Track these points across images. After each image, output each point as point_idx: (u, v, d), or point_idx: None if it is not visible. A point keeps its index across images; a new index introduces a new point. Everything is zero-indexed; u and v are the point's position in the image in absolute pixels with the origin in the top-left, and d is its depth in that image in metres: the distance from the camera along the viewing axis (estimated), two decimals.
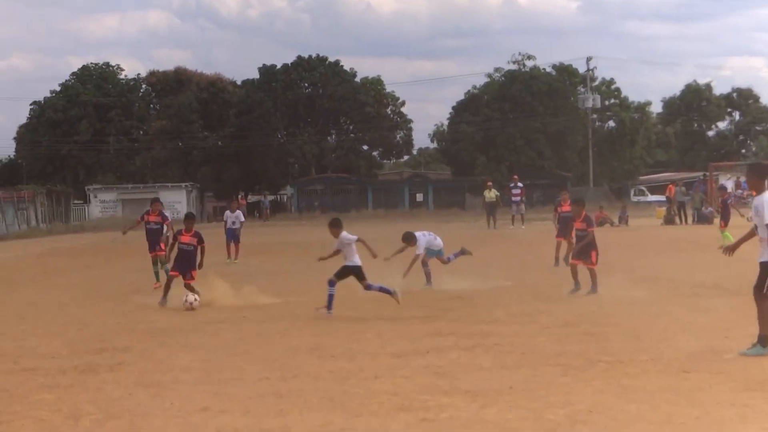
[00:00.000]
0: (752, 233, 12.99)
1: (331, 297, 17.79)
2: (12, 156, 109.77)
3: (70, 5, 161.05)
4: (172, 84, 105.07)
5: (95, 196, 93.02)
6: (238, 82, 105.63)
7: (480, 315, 17.36)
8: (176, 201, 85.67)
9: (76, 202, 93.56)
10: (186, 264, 19.75)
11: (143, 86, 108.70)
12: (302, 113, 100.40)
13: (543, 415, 9.78)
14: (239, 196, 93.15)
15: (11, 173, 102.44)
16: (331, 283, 17.92)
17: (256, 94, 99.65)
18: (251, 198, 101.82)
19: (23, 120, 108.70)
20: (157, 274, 24.49)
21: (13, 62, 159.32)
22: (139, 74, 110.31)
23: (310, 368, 12.61)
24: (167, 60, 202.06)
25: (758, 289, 12.63)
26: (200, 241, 20.10)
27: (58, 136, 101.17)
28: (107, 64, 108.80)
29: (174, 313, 18.71)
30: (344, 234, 18.26)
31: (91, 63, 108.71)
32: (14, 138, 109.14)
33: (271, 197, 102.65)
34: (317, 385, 11.51)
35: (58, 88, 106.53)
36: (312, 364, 12.97)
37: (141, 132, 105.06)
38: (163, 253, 24.06)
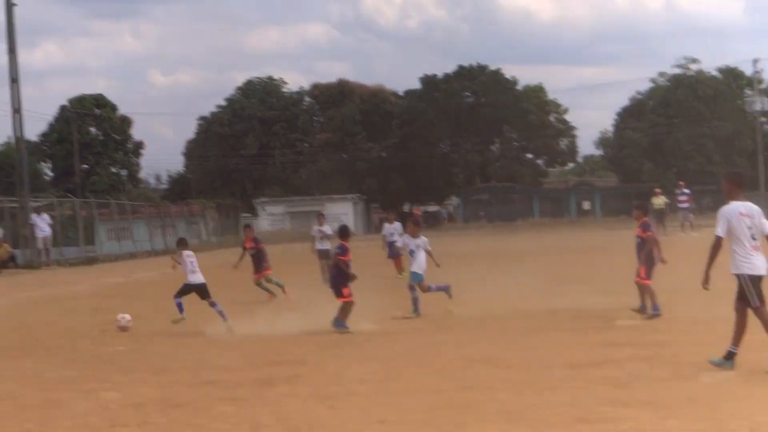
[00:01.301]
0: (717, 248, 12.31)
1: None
2: (181, 171, 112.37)
3: (233, 21, 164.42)
4: (334, 96, 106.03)
5: (264, 209, 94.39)
6: (400, 93, 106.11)
7: (656, 324, 17.03)
8: (342, 213, 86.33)
9: (244, 215, 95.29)
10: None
11: (306, 99, 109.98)
12: (465, 122, 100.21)
13: (725, 426, 9.52)
14: (412, 208, 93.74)
15: (181, 188, 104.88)
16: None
17: (418, 104, 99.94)
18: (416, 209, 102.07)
19: (191, 135, 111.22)
20: (266, 289, 25.53)
21: (179, 78, 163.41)
22: (302, 87, 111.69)
23: (486, 379, 12.53)
24: (328, 72, 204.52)
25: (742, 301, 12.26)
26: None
27: (225, 150, 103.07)
28: (271, 78, 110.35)
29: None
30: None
31: (255, 77, 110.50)
32: (183, 153, 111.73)
33: (434, 208, 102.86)
34: (494, 396, 11.42)
35: (223, 103, 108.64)
36: (487, 375, 12.89)
37: (306, 144, 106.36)
38: (269, 271, 25.64)
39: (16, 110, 48.33)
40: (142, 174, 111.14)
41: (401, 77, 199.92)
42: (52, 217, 50.78)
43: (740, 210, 12.32)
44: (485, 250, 46.57)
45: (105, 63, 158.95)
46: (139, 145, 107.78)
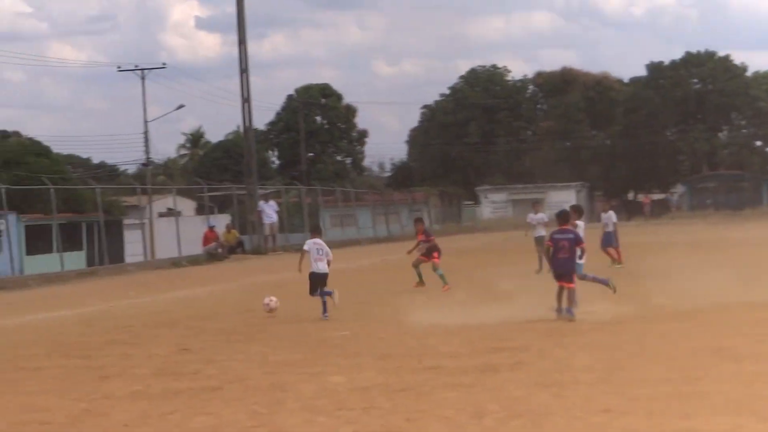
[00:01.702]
0: None
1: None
2: (405, 159, 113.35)
3: (457, 9, 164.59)
4: (558, 84, 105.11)
5: (486, 197, 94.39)
6: (625, 80, 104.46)
7: None
8: (565, 201, 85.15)
9: (467, 203, 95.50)
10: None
11: (530, 87, 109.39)
12: (691, 110, 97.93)
13: None
14: (640, 196, 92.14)
15: (404, 176, 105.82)
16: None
17: (644, 91, 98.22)
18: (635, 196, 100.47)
19: (414, 124, 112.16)
20: (419, 274, 25.00)
21: (403, 68, 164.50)
22: (525, 75, 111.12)
23: (714, 370, 12.16)
24: (552, 60, 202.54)
25: None
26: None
27: (448, 138, 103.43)
28: (494, 66, 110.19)
29: None
30: None
31: (479, 65, 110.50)
32: (406, 141, 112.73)
33: (661, 195, 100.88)
34: (722, 388, 11.06)
35: (447, 92, 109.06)
36: (716, 366, 12.50)
37: (529, 132, 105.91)
38: (437, 260, 25.02)
39: (246, 100, 49.64)
40: (366, 162, 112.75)
41: (626, 64, 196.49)
42: (279, 204, 51.98)
43: None
44: (706, 238, 45.33)
45: (331, 53, 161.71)
46: (363, 134, 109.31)
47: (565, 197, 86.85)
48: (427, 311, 19.34)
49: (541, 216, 31.21)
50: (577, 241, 18.14)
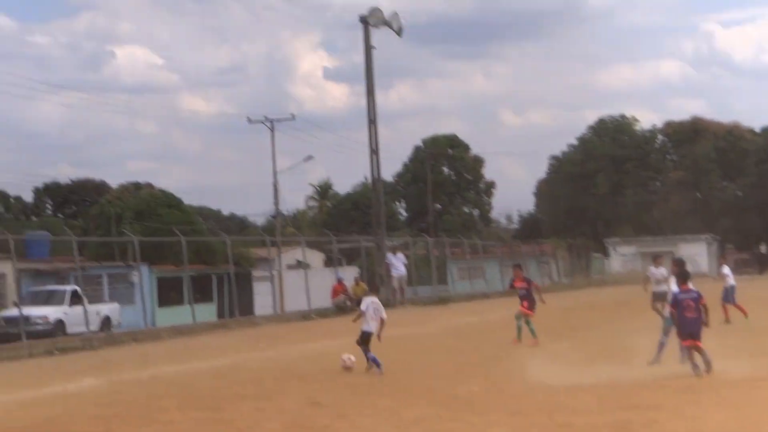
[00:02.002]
0: None
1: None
2: (532, 210, 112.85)
3: (585, 59, 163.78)
4: (688, 134, 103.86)
5: (615, 249, 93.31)
6: (756, 130, 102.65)
7: None
8: (695, 253, 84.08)
9: (595, 255, 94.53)
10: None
11: (659, 137, 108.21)
12: None
13: None
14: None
15: (532, 227, 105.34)
16: None
17: None
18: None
19: (542, 175, 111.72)
20: (519, 327, 25.02)
21: (530, 117, 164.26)
22: (654, 125, 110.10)
23: None
24: (681, 110, 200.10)
25: None
26: None
27: (576, 189, 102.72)
28: (623, 116, 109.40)
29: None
30: None
31: (607, 115, 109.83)
32: (534, 192, 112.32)
33: None
34: None
35: (575, 142, 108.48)
36: None
37: (658, 183, 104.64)
38: (529, 312, 25.09)
39: (374, 151, 49.90)
40: (494, 213, 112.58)
41: (758, 113, 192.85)
42: (407, 256, 52.06)
43: None
44: None
45: (458, 103, 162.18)
46: (490, 185, 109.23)
47: (695, 250, 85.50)
48: (557, 366, 19.15)
49: (662, 270, 30.15)
50: (700, 298, 17.80)
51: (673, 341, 18.52)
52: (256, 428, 13.62)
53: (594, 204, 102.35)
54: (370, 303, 20.26)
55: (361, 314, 20.23)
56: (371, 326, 20.02)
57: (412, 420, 13.83)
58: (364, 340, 20.07)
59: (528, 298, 25.53)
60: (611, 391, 15.85)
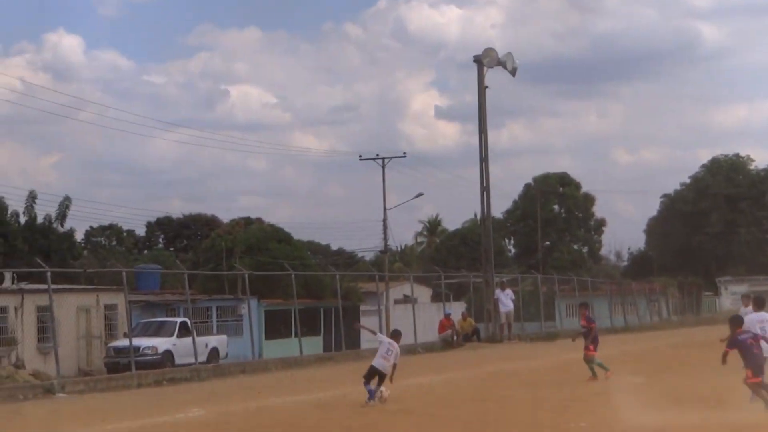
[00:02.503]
0: None
1: None
2: (642, 248, 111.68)
3: (698, 97, 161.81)
4: None
5: (726, 288, 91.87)
6: None
7: None
8: None
9: (706, 293, 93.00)
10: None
11: None
12: None
13: None
14: None
15: (642, 265, 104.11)
16: None
17: None
18: None
19: (653, 212, 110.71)
20: (591, 369, 25.21)
21: (642, 156, 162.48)
22: None
23: None
24: None
25: None
26: None
27: (688, 227, 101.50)
28: (737, 155, 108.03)
29: None
30: None
31: (721, 154, 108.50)
32: (644, 230, 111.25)
33: None
34: None
35: (687, 180, 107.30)
36: None
37: None
38: (593, 353, 25.34)
39: (485, 189, 49.82)
40: (603, 251, 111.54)
41: None
42: (515, 292, 51.75)
43: None
44: None
45: (569, 142, 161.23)
46: (601, 223, 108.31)
47: None
48: (667, 404, 18.78)
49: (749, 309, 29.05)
50: (756, 336, 18.21)
51: None
52: None
53: (706, 243, 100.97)
54: (387, 343, 21.18)
55: (376, 335, 22.09)
56: (378, 363, 20.72)
57: None
58: (370, 373, 20.72)
59: (595, 339, 25.96)
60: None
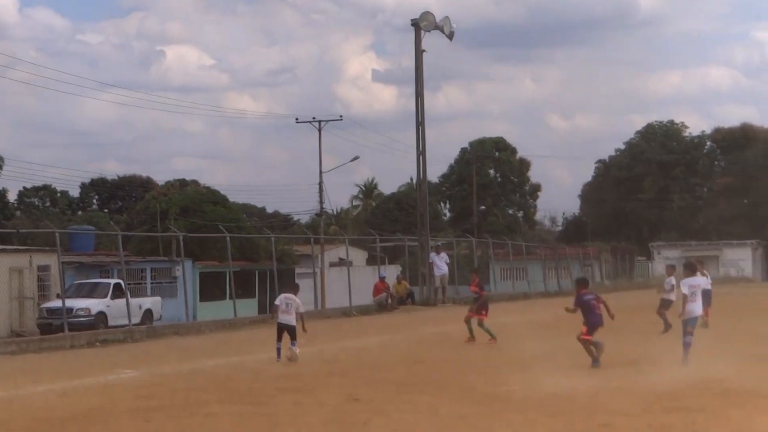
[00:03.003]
0: None
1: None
2: (577, 213, 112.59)
3: (633, 65, 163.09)
4: (737, 140, 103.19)
5: (659, 253, 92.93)
6: None
7: None
8: (740, 258, 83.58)
9: (639, 258, 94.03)
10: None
11: (708, 143, 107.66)
12: None
13: None
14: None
15: (576, 230, 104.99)
16: None
17: None
18: None
19: (587, 178, 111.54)
20: (470, 331, 26.13)
21: (577, 121, 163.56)
22: (703, 131, 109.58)
23: None
24: (729, 116, 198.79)
25: None
26: None
27: (622, 193, 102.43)
28: (671, 122, 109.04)
29: (747, 371, 17.96)
30: None
31: (656, 121, 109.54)
32: (579, 196, 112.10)
33: None
34: None
35: (622, 147, 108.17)
36: None
37: (705, 189, 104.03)
38: (480, 317, 26.13)
39: (421, 152, 49.85)
40: (538, 216, 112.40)
41: None
42: (450, 255, 51.93)
43: None
44: None
45: (505, 106, 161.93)
46: (535, 188, 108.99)
47: (740, 255, 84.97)
48: (592, 371, 19.01)
49: (672, 281, 29.28)
50: (598, 298, 20.10)
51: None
52: (295, 423, 13.59)
53: (640, 208, 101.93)
54: (283, 298, 22.11)
55: (276, 308, 22.18)
56: (281, 318, 21.86)
57: (452, 417, 13.75)
58: (278, 331, 21.88)
59: (485, 306, 26.71)
60: (653, 393, 15.66)
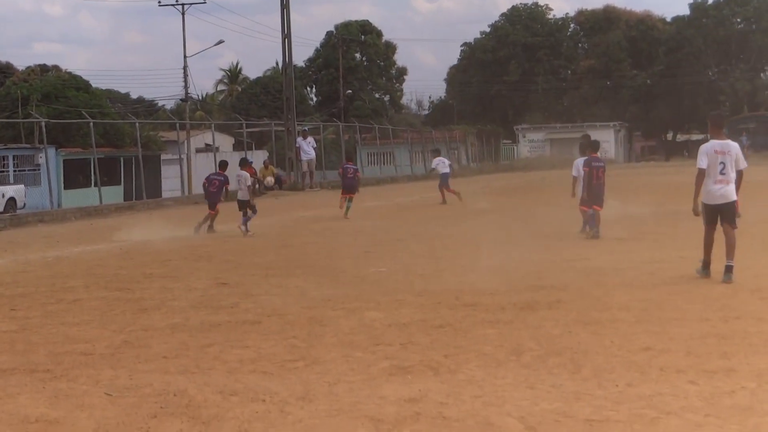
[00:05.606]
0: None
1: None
2: (443, 97, 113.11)
3: None
4: (600, 23, 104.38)
5: (524, 136, 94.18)
6: (668, 19, 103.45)
7: None
8: (604, 140, 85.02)
9: (505, 141, 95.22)
10: None
11: (571, 26, 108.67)
12: (734, 50, 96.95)
13: None
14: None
15: (443, 114, 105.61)
16: None
17: (686, 30, 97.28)
18: (680, 137, 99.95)
19: (453, 62, 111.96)
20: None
21: (443, 4, 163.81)
22: (567, 14, 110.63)
23: (753, 309, 12.07)
24: None
25: None
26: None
27: (488, 76, 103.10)
28: (536, 5, 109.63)
29: (608, 251, 18.47)
30: None
31: (521, 3, 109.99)
32: (445, 79, 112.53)
33: (699, 136, 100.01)
34: (762, 327, 10.98)
35: (487, 29, 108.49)
36: (754, 305, 12.42)
37: (569, 71, 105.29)
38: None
39: (286, 36, 49.45)
40: (405, 100, 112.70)
41: (669, 3, 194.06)
42: (317, 140, 51.90)
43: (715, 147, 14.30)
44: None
45: None
46: (402, 71, 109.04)
47: (603, 136, 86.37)
48: (465, 249, 19.29)
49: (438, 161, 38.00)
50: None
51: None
52: (162, 307, 13.54)
53: (505, 91, 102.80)
54: (236, 176, 24.64)
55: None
56: (239, 195, 24.51)
57: (320, 299, 13.84)
58: (239, 205, 24.22)
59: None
60: (519, 273, 15.97)
